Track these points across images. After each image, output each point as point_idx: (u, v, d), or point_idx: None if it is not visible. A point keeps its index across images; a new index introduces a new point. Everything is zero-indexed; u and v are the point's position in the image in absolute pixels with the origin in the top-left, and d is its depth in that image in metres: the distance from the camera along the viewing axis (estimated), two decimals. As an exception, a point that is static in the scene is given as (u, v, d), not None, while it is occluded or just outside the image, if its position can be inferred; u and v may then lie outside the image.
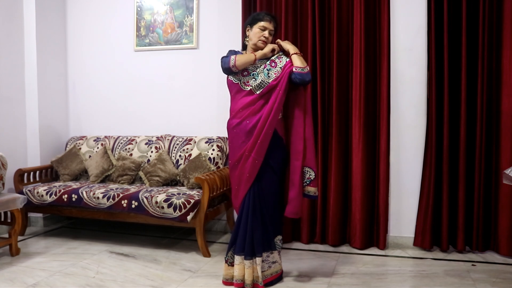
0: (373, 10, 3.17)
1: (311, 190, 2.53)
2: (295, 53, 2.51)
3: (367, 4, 3.14)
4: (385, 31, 3.15)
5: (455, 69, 3.03)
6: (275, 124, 2.48)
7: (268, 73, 2.50)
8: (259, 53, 2.53)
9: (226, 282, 2.56)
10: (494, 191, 3.02)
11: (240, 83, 2.55)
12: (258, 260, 2.46)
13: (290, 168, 2.54)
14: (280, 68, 2.52)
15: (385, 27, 3.15)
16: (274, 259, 2.57)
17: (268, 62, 2.53)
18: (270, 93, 2.49)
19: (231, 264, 2.54)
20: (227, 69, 2.54)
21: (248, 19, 2.63)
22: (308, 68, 2.48)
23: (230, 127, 2.59)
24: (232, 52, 2.62)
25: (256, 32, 2.55)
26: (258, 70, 2.52)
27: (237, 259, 2.49)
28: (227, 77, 2.60)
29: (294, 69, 2.46)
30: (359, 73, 3.16)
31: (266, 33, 2.54)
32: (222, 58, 2.58)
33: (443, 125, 3.05)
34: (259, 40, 2.54)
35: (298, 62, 2.47)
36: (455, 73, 3.03)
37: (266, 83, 2.49)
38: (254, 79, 2.51)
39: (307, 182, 2.52)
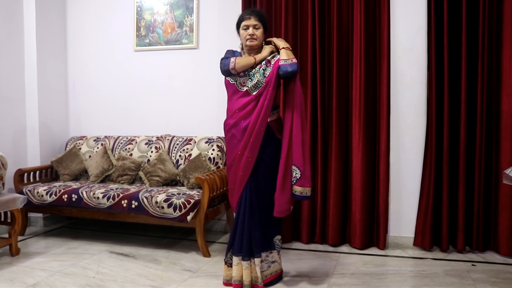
0: (373, 10, 3.17)
1: (297, 189, 2.45)
2: (283, 48, 2.50)
3: (367, 4, 3.14)
4: (385, 31, 3.15)
5: (455, 69, 3.03)
6: (266, 121, 2.46)
7: (264, 73, 2.49)
8: (259, 57, 2.51)
9: (226, 283, 2.56)
10: (494, 191, 3.02)
11: (236, 84, 2.54)
12: (257, 260, 2.46)
13: None
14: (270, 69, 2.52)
15: (385, 27, 3.15)
16: (273, 258, 2.57)
17: (264, 62, 2.52)
18: (262, 91, 2.48)
19: (230, 265, 2.54)
20: (226, 71, 2.53)
21: (236, 25, 2.61)
22: (294, 60, 2.44)
23: (226, 128, 2.59)
24: (230, 53, 2.61)
25: (242, 34, 2.55)
26: (254, 70, 2.51)
27: (235, 260, 2.49)
28: (225, 77, 2.60)
29: (279, 63, 2.45)
30: (359, 73, 3.16)
31: (249, 30, 2.51)
32: (222, 60, 2.56)
33: (443, 125, 3.05)
34: (246, 39, 2.53)
35: (283, 55, 2.46)
36: (455, 73, 3.03)
37: (262, 83, 2.48)
38: (250, 80, 2.50)
39: (294, 181, 2.45)
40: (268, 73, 2.48)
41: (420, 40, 3.15)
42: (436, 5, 3.03)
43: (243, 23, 2.53)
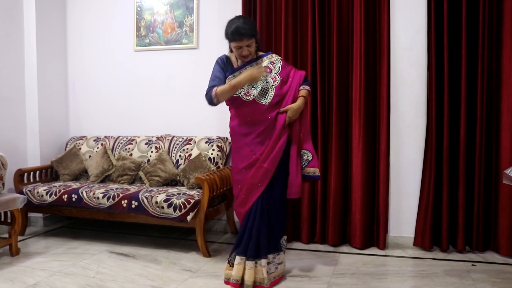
0: (373, 10, 3.17)
1: (310, 171, 2.59)
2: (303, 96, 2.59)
3: (367, 4, 3.14)
4: (385, 31, 3.15)
5: (455, 69, 3.03)
6: (287, 135, 2.54)
7: (266, 80, 2.53)
8: (233, 81, 2.46)
9: (227, 282, 2.55)
10: (494, 191, 3.02)
11: (241, 95, 2.53)
12: (263, 262, 2.47)
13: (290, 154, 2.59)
14: (276, 73, 2.55)
15: (385, 27, 3.15)
16: (280, 260, 2.59)
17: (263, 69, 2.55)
18: (279, 105, 2.53)
19: (232, 264, 2.54)
20: (213, 105, 2.56)
21: (224, 34, 2.53)
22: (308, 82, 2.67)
23: (235, 132, 2.59)
24: (217, 69, 2.59)
25: (234, 48, 2.52)
26: None
27: (237, 259, 2.49)
28: None
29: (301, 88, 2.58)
30: (359, 73, 3.16)
31: (242, 50, 2.50)
32: (205, 95, 2.54)
33: (443, 125, 3.05)
34: (239, 55, 2.53)
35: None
36: (455, 73, 3.03)
37: (266, 89, 2.51)
38: (253, 88, 2.52)
39: (306, 164, 2.58)
40: (270, 79, 2.53)
41: (420, 40, 3.15)
42: (436, 5, 3.03)
43: (235, 44, 2.49)
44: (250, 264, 2.45)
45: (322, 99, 3.27)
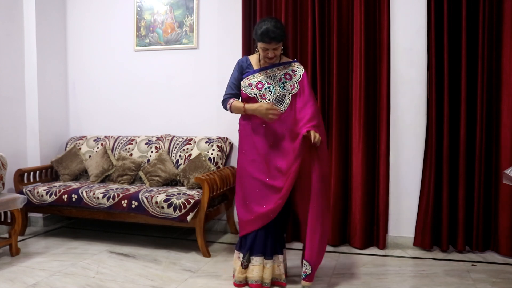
0: (373, 10, 3.17)
1: (305, 284, 2.45)
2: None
3: (367, 4, 3.14)
4: (385, 31, 3.15)
5: (455, 69, 3.03)
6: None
7: (284, 86, 2.52)
8: (247, 107, 2.48)
9: (239, 284, 2.54)
10: (494, 191, 3.02)
11: (257, 97, 2.52)
12: (281, 257, 2.52)
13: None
14: (295, 82, 2.53)
15: (385, 27, 3.15)
16: (284, 256, 2.63)
17: (282, 75, 2.54)
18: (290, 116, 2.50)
19: (245, 266, 2.53)
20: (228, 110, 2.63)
21: (254, 32, 2.50)
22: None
23: (244, 129, 2.56)
24: (233, 76, 2.60)
25: (260, 49, 2.49)
26: (273, 83, 2.51)
27: (256, 259, 2.49)
28: (242, 91, 2.57)
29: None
30: (359, 73, 3.16)
31: (268, 53, 2.46)
32: (222, 101, 2.62)
33: (443, 125, 3.05)
34: (265, 57, 2.51)
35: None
36: (455, 73, 3.04)
37: (283, 96, 2.51)
38: (270, 92, 2.50)
39: (303, 276, 2.44)
40: (288, 86, 2.51)
41: (420, 40, 3.15)
42: (436, 5, 3.03)
43: (263, 46, 2.45)
44: (269, 262, 2.49)
45: (322, 99, 3.27)
